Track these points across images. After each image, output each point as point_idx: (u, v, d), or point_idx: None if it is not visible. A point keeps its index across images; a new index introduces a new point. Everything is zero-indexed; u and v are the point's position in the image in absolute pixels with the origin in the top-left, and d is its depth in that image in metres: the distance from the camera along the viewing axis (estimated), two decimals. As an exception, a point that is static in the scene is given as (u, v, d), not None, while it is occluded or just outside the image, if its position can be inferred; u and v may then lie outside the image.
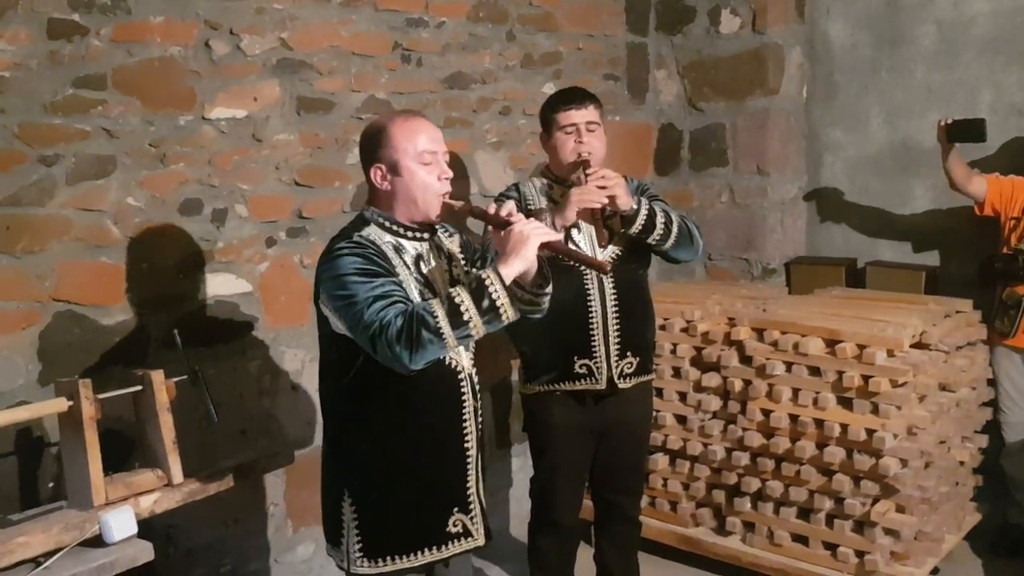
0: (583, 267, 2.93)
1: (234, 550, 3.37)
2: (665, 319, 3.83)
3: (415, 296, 2.24)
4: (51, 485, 2.84)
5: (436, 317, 2.07)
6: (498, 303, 2.10)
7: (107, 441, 2.85)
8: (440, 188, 2.30)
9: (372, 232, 2.30)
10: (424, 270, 2.32)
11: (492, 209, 2.35)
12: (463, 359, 2.38)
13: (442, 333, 2.07)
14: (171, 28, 3.06)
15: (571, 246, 3.03)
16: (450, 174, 2.33)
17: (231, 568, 3.37)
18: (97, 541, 2.34)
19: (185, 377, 2.62)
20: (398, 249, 2.30)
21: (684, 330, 3.85)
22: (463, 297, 2.10)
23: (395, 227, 2.33)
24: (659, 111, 4.98)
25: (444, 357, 2.29)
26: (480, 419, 2.45)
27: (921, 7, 4.39)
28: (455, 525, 2.38)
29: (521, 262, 2.14)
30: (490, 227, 2.33)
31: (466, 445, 2.39)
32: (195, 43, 3.12)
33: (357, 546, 2.32)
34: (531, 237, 2.14)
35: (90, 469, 2.34)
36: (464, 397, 2.38)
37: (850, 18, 4.60)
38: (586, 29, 4.57)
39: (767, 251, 4.74)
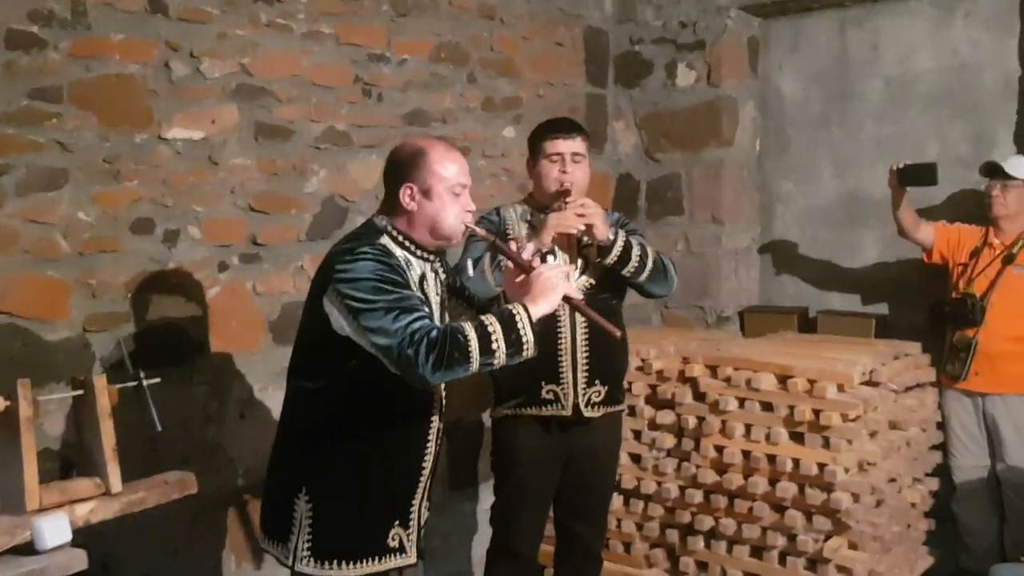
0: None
1: (173, 583, 3.26)
2: (619, 358, 3.83)
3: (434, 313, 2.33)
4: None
5: (468, 340, 2.12)
6: (523, 339, 2.18)
7: (45, 460, 2.78)
8: (466, 217, 2.38)
9: (387, 243, 2.33)
10: (426, 290, 2.37)
11: (514, 247, 2.43)
12: None
13: (471, 356, 2.12)
14: (131, 46, 3.06)
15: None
16: (473, 207, 2.41)
17: (169, 601, 3.25)
18: (29, 548, 2.24)
19: (129, 384, 2.55)
20: (407, 265, 2.33)
21: (639, 368, 3.84)
22: (496, 327, 2.15)
23: (408, 243, 2.37)
24: (617, 161, 5.06)
25: None
26: (440, 440, 2.48)
27: (869, 63, 4.53)
28: (393, 539, 2.38)
29: (547, 306, 2.25)
30: (508, 263, 2.43)
31: (423, 464, 2.42)
32: (155, 63, 3.12)
33: (306, 544, 2.31)
34: (559, 286, 2.27)
35: (25, 472, 2.25)
36: (433, 417, 2.42)
37: (801, 74, 4.74)
38: (546, 77, 4.65)
39: (721, 299, 4.78)
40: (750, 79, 4.80)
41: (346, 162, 3.70)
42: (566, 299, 2.30)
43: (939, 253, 4.05)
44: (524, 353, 2.19)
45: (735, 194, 4.79)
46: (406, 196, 2.33)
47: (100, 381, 2.40)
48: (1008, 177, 3.83)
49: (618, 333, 2.46)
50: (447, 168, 2.34)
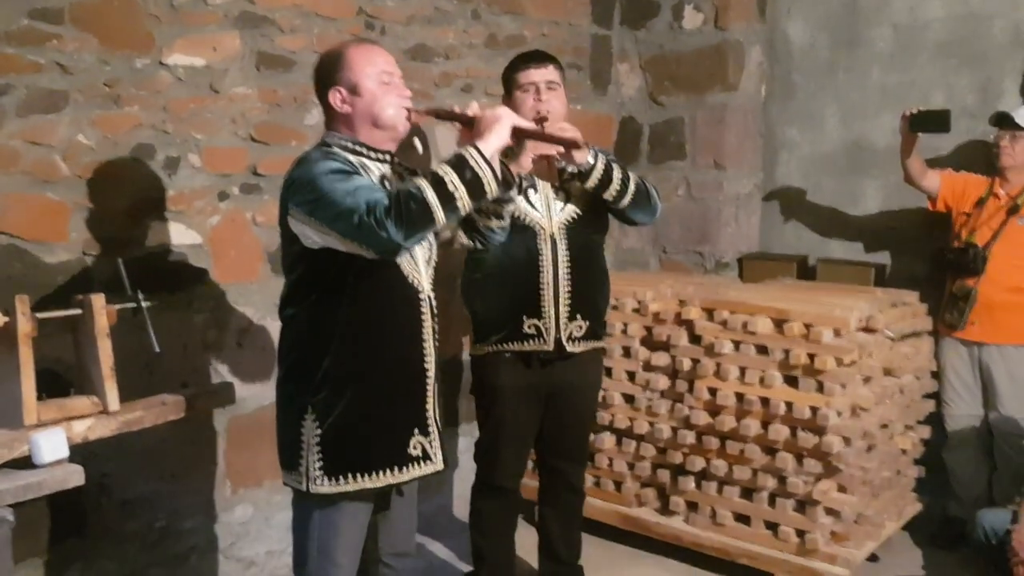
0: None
1: (169, 506, 3.29)
2: (617, 299, 3.83)
3: None
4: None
5: (423, 190, 2.09)
6: (480, 173, 2.14)
7: (42, 382, 2.80)
8: (402, 102, 2.34)
9: (337, 151, 2.33)
10: (388, 188, 2.33)
11: (457, 109, 2.39)
12: (423, 280, 2.41)
13: (430, 206, 2.09)
14: (133, -32, 3.03)
15: (527, 205, 3.04)
16: (409, 92, 2.38)
17: (165, 524, 3.29)
18: (27, 463, 2.27)
19: (127, 306, 2.56)
20: (363, 168, 2.32)
21: (636, 310, 3.86)
22: (446, 170, 2.13)
23: (358, 147, 2.36)
24: (620, 104, 5.02)
25: (406, 274, 2.35)
26: (437, 342, 2.46)
27: (878, 10, 4.48)
28: (415, 448, 2.38)
29: (497, 139, 2.20)
30: (458, 126, 2.39)
31: (425, 365, 2.41)
32: (156, -14, 3.10)
33: (317, 464, 2.30)
34: (504, 117, 2.24)
35: (23, 387, 2.28)
36: (424, 317, 2.40)
37: (810, 19, 4.68)
38: (551, 16, 4.60)
39: (721, 245, 4.78)
40: (758, 23, 4.73)
41: (348, 95, 3.67)
42: (516, 131, 2.26)
43: (944, 201, 4.04)
44: (487, 188, 2.16)
45: (738, 140, 4.76)
46: (337, 100, 2.34)
47: (98, 300, 2.42)
48: (1018, 128, 3.80)
49: (580, 138, 2.50)
50: (368, 61, 2.33)
